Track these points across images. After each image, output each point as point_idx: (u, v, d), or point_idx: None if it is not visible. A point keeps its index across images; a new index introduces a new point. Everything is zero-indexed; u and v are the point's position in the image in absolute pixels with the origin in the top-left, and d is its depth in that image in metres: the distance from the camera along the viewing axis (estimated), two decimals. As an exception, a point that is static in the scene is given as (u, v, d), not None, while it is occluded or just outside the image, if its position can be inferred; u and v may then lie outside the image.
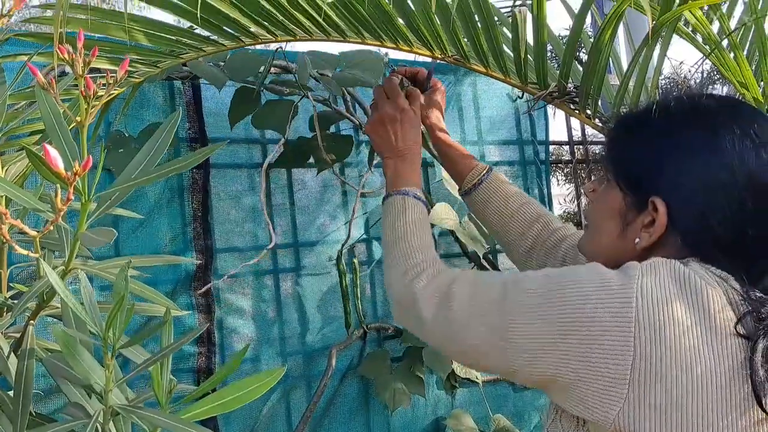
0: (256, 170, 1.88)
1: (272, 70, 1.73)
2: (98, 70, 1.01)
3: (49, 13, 1.21)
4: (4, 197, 0.75)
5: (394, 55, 1.59)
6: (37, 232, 0.74)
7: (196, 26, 1.23)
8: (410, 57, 1.43)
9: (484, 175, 1.22)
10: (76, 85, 1.07)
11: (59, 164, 0.63)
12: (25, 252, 0.73)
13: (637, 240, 0.82)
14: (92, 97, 0.72)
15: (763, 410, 0.68)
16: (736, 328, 0.70)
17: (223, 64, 1.66)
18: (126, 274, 0.70)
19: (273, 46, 1.67)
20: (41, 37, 1.00)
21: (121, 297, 0.67)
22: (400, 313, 0.94)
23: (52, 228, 0.71)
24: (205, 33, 1.27)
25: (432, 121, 1.30)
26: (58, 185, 0.66)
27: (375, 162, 1.92)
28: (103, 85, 0.82)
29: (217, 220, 1.81)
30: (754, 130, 0.78)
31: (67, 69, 1.38)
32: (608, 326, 0.71)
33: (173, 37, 1.17)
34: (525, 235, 1.19)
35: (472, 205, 1.25)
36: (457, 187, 1.28)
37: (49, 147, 0.62)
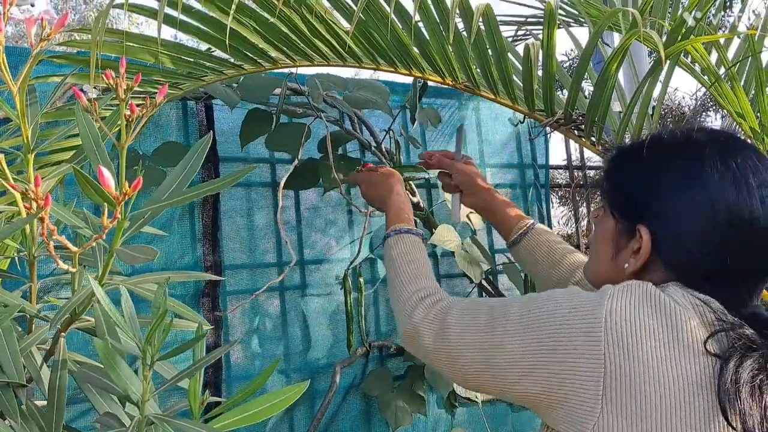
0: (264, 188, 1.92)
1: (279, 91, 1.77)
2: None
3: (76, 35, 1.25)
4: (47, 215, 0.78)
5: (402, 79, 1.64)
6: (77, 248, 0.77)
7: (214, 49, 1.28)
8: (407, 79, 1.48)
9: (530, 226, 1.29)
10: (112, 106, 1.12)
11: (111, 185, 0.66)
12: (65, 267, 0.76)
13: (626, 265, 0.87)
14: (135, 120, 0.76)
15: (728, 422, 0.72)
16: (705, 347, 0.74)
17: (236, 85, 1.71)
18: (165, 289, 0.74)
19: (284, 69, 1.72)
20: (75, 59, 1.04)
21: (162, 312, 0.71)
22: (408, 343, 1.00)
23: (93, 244, 0.74)
24: (224, 56, 1.31)
25: (482, 183, 1.36)
26: (106, 204, 0.70)
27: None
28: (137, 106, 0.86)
29: (226, 237, 1.84)
30: (736, 164, 0.82)
31: (86, 87, 1.43)
32: (581, 347, 0.76)
33: (197, 61, 1.22)
34: (567, 282, 1.24)
35: (516, 255, 1.32)
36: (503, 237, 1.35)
37: (103, 169, 0.66)
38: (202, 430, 0.71)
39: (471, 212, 2.10)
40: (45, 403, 0.85)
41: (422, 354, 0.97)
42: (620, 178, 0.94)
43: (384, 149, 1.95)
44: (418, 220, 2.01)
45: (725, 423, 0.72)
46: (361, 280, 1.98)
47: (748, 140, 0.91)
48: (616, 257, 0.90)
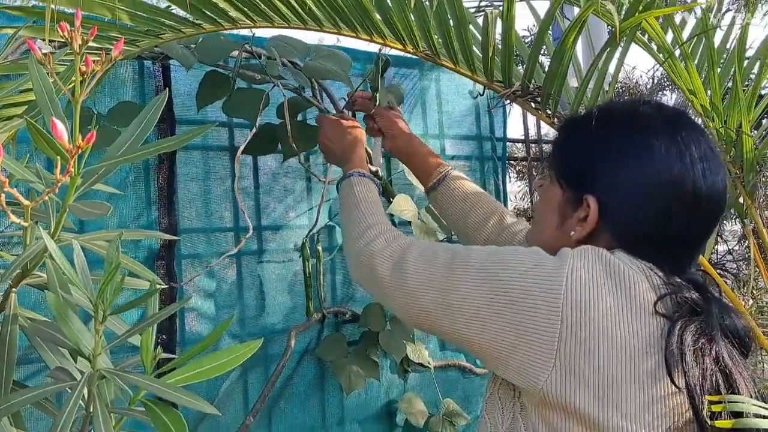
0: (222, 153, 1.91)
1: (237, 54, 1.75)
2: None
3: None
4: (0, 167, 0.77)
5: (361, 45, 1.63)
6: (29, 202, 0.76)
7: (174, 7, 1.26)
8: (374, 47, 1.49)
9: (446, 173, 1.32)
10: (66, 62, 1.09)
11: (65, 138, 0.66)
12: (18, 221, 0.75)
13: (572, 233, 0.90)
14: (89, 75, 0.75)
15: (672, 382, 0.76)
16: (655, 308, 0.78)
17: (194, 46, 1.68)
18: (118, 245, 0.74)
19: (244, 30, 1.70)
20: (29, 12, 1.02)
21: (114, 267, 0.71)
22: (359, 273, 1.01)
23: (46, 198, 0.74)
24: (183, 14, 1.30)
25: (404, 128, 1.39)
26: (59, 158, 0.69)
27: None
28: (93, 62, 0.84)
29: (182, 200, 1.83)
30: (681, 138, 0.86)
31: (38, 43, 1.39)
32: (539, 302, 0.79)
33: (156, 18, 1.20)
34: (481, 229, 1.27)
35: (434, 201, 1.35)
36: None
37: (56, 121, 0.65)
38: (154, 384, 0.72)
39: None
40: (-6, 358, 0.85)
41: (373, 284, 0.97)
42: (569, 149, 0.97)
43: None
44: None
45: (670, 381, 0.76)
46: (320, 247, 1.99)
47: (692, 117, 0.94)
48: (561, 225, 0.93)
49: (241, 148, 1.64)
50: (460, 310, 0.84)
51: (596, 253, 0.82)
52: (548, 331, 0.78)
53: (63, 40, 0.82)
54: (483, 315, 0.82)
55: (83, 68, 0.78)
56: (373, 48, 1.56)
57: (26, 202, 0.75)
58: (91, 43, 1.17)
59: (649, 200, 0.85)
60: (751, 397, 0.78)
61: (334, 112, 1.94)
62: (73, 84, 0.80)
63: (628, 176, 0.86)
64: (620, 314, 0.77)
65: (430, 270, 0.89)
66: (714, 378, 0.77)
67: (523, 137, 2.79)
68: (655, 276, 0.81)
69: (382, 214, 1.09)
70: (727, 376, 0.77)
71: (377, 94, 1.43)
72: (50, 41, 0.95)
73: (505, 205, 2.60)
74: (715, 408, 0.76)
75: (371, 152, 1.43)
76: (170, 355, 0.92)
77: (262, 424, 1.90)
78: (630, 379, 0.76)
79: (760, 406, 0.76)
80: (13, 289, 0.89)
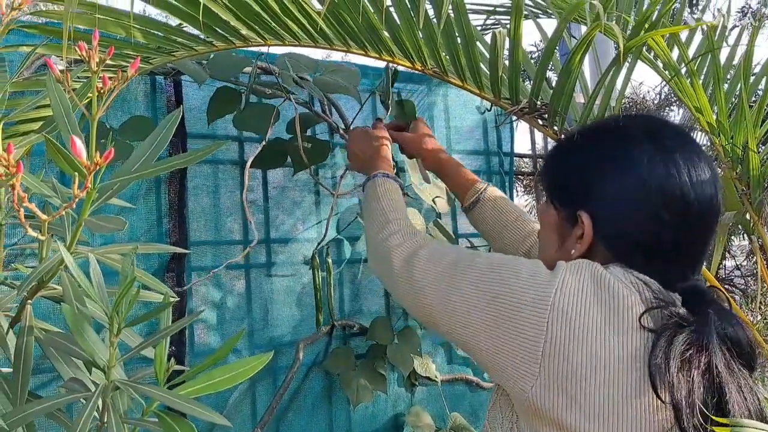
0: (232, 166, 1.93)
1: (248, 70, 1.77)
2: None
3: (46, 5, 1.25)
4: (19, 183, 0.79)
5: (368, 61, 1.65)
6: (46, 216, 0.78)
7: (185, 24, 1.28)
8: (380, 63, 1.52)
9: (481, 193, 1.34)
10: (81, 78, 1.12)
11: (83, 156, 0.68)
12: (35, 234, 0.77)
13: (573, 251, 0.91)
14: (106, 93, 0.77)
15: (657, 395, 0.75)
16: (640, 321, 0.78)
17: (205, 62, 1.71)
18: (133, 259, 0.75)
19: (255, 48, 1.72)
20: (46, 30, 1.04)
21: (130, 280, 0.72)
22: (376, 265, 1.07)
23: (63, 213, 0.76)
24: (195, 32, 1.32)
25: (429, 147, 1.42)
26: (77, 174, 0.71)
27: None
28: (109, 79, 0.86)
29: (192, 213, 1.85)
30: (664, 145, 0.87)
31: (52, 59, 1.42)
32: (527, 311, 0.80)
33: (168, 36, 1.22)
34: (517, 250, 1.29)
35: (470, 220, 1.38)
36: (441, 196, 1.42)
37: (75, 138, 0.67)
38: (166, 395, 0.73)
39: (437, 197, 2.14)
40: (10, 370, 0.86)
41: (387, 276, 1.03)
42: (557, 170, 0.99)
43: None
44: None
45: (655, 396, 0.76)
46: (329, 260, 2.01)
47: (677, 125, 0.95)
48: (562, 245, 0.94)
49: (250, 160, 1.66)
50: (457, 311, 0.88)
51: (589, 268, 0.83)
52: (533, 340, 0.79)
53: (76, 57, 0.84)
54: (476, 318, 0.85)
55: (100, 85, 0.80)
56: (380, 63, 1.58)
57: (44, 217, 0.77)
58: (110, 62, 1.20)
59: (638, 209, 0.86)
60: (748, 410, 0.77)
61: (344, 126, 1.96)
62: (88, 100, 0.82)
63: (614, 188, 0.88)
64: (605, 328, 0.78)
65: (437, 269, 0.93)
66: (701, 391, 0.76)
67: (529, 152, 2.80)
68: (646, 290, 0.81)
69: (403, 211, 1.14)
70: (719, 388, 0.76)
71: (389, 102, 1.46)
72: (62, 58, 0.97)
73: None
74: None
75: (419, 170, 1.47)
76: (181, 367, 0.93)
77: (269, 437, 1.92)
78: (614, 394, 0.76)
79: (758, 428, 0.74)
80: (29, 301, 0.90)
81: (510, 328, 0.81)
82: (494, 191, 1.36)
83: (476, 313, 0.85)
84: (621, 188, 0.87)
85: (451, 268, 0.91)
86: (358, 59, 1.50)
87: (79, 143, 0.67)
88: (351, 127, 1.95)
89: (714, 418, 0.74)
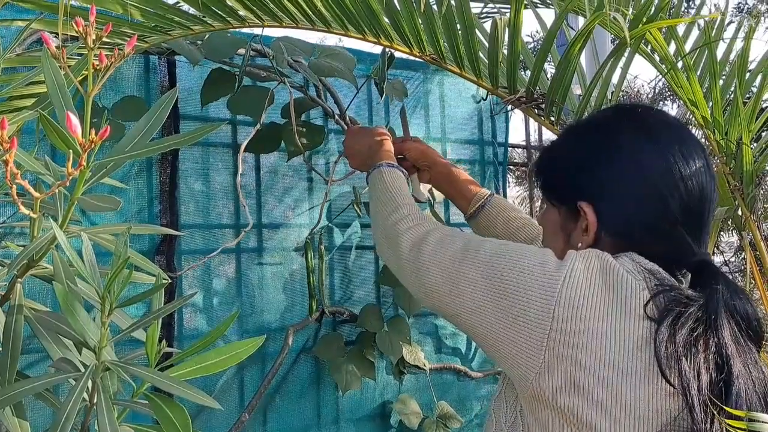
0: (224, 149, 1.92)
1: (242, 51, 1.76)
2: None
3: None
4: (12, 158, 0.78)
5: (364, 46, 1.64)
6: (39, 193, 0.77)
7: (182, 3, 1.27)
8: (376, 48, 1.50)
9: (486, 199, 1.33)
10: (74, 56, 1.10)
11: (79, 133, 0.67)
12: (27, 212, 0.76)
13: (579, 245, 0.91)
14: (103, 70, 0.76)
15: (667, 380, 0.75)
16: (645, 311, 0.79)
17: (200, 43, 1.69)
18: (126, 239, 0.74)
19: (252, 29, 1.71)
20: (41, 5, 1.03)
21: (123, 260, 0.71)
22: (384, 248, 1.08)
23: (56, 191, 0.74)
24: (191, 11, 1.30)
25: (430, 160, 1.40)
26: (71, 151, 0.70)
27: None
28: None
29: (183, 196, 1.83)
30: (648, 127, 0.89)
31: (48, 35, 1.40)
32: (534, 297, 0.81)
33: (165, 15, 1.20)
34: None
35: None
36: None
37: (71, 115, 0.66)
38: (157, 377, 0.73)
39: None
40: (-2, 347, 0.85)
41: (394, 260, 1.03)
42: (550, 167, 1.00)
43: (348, 117, 1.96)
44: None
45: (663, 382, 0.76)
46: (322, 247, 2.00)
47: (660, 110, 0.96)
48: (569, 242, 0.94)
49: (244, 144, 1.64)
50: (464, 296, 0.88)
51: (598, 257, 0.83)
52: (539, 326, 0.79)
53: (70, 33, 0.83)
54: (483, 303, 0.85)
55: (96, 63, 0.79)
56: (376, 49, 1.57)
57: (36, 194, 0.76)
58: (107, 39, 1.18)
59: (635, 193, 0.87)
60: (753, 384, 0.77)
61: (338, 112, 1.95)
62: (83, 77, 0.80)
63: (609, 176, 0.89)
64: (611, 316, 0.78)
65: (445, 254, 0.93)
66: (709, 373, 0.76)
67: (524, 142, 2.80)
68: (652, 278, 0.82)
69: (411, 198, 1.14)
70: (727, 361, 0.76)
71: (383, 86, 1.44)
72: (56, 34, 0.96)
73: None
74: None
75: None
76: (171, 349, 0.92)
77: (257, 421, 1.91)
78: (618, 382, 0.76)
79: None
80: (19, 280, 0.89)
81: (517, 315, 0.82)
82: (498, 199, 1.35)
83: (483, 300, 0.85)
84: (616, 174, 0.88)
85: (460, 254, 0.91)
86: (353, 44, 1.49)
87: (75, 120, 0.66)
88: (346, 114, 1.94)
89: (727, 409, 0.74)
